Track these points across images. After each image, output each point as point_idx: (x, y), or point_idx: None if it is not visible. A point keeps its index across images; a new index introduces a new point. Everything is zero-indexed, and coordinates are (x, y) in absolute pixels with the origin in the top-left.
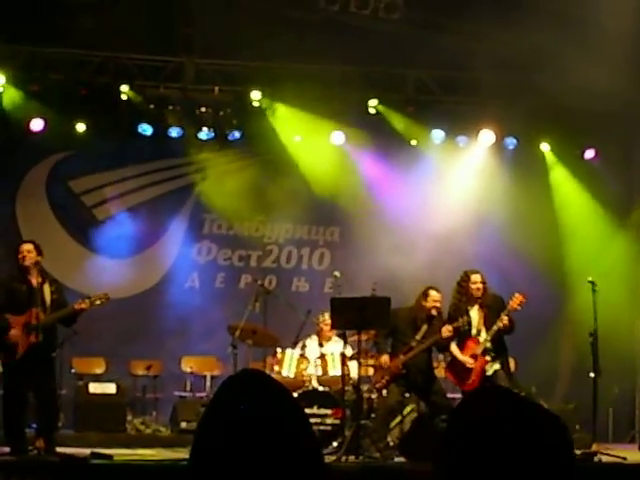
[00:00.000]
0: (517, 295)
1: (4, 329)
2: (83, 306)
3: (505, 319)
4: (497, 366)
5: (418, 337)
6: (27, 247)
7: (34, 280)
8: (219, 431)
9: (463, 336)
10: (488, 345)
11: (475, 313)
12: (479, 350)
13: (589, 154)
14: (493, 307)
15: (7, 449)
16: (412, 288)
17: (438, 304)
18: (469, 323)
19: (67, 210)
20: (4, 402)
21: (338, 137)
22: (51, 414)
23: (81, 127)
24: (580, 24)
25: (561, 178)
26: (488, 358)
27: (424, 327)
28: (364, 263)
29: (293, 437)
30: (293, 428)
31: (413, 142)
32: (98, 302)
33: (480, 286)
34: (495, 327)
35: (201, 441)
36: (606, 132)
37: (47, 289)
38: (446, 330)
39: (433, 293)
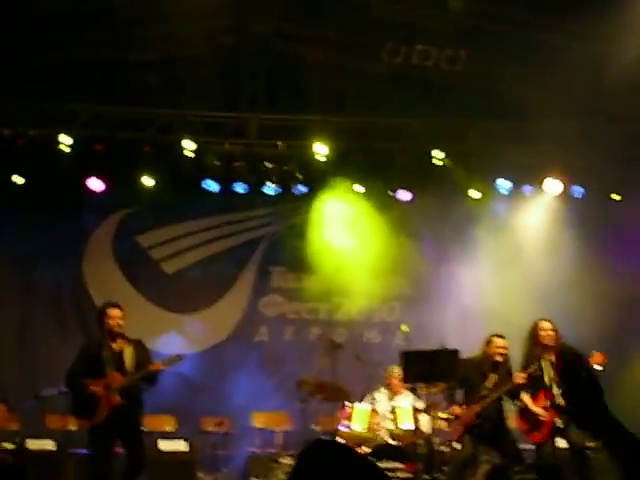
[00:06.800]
0: (597, 354)
1: (83, 391)
2: (157, 367)
3: None
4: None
5: (489, 385)
6: (117, 312)
7: (116, 345)
8: None
9: (536, 386)
10: (561, 401)
11: (549, 364)
12: (550, 403)
13: None
14: (570, 361)
15: None
16: (478, 340)
17: (502, 350)
18: (541, 369)
19: (134, 265)
20: (92, 464)
21: (404, 194)
22: (138, 474)
23: (148, 183)
24: None
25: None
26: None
27: (493, 376)
28: (433, 315)
29: None
30: None
31: (477, 195)
32: (171, 364)
33: (551, 333)
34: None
35: None
36: None
37: (129, 352)
38: (519, 377)
39: (496, 340)
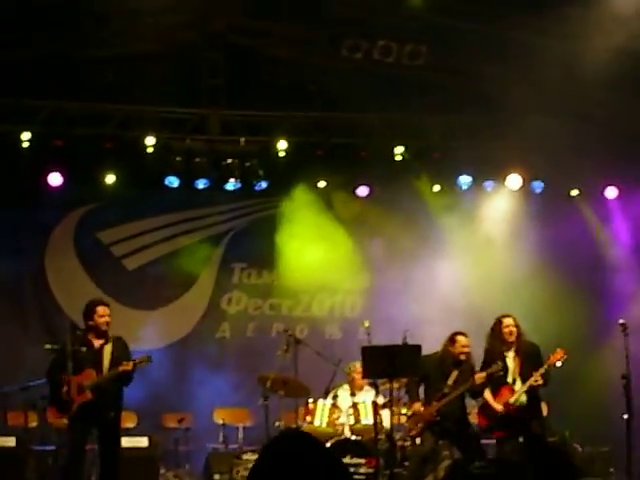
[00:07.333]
0: (558, 350)
1: (58, 387)
2: (127, 368)
3: (540, 380)
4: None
5: (450, 383)
6: (107, 310)
7: (97, 342)
8: None
9: (498, 382)
10: (522, 398)
11: (511, 360)
12: (512, 399)
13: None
14: (529, 355)
15: None
16: (442, 335)
17: (466, 349)
18: (504, 368)
19: (96, 262)
20: (64, 460)
21: (365, 190)
22: (110, 472)
23: (109, 179)
24: None
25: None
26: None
27: (454, 373)
28: (395, 310)
29: None
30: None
31: (436, 188)
32: (141, 365)
33: (513, 329)
34: (528, 383)
35: None
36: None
37: (108, 349)
38: (479, 377)
39: (460, 338)
